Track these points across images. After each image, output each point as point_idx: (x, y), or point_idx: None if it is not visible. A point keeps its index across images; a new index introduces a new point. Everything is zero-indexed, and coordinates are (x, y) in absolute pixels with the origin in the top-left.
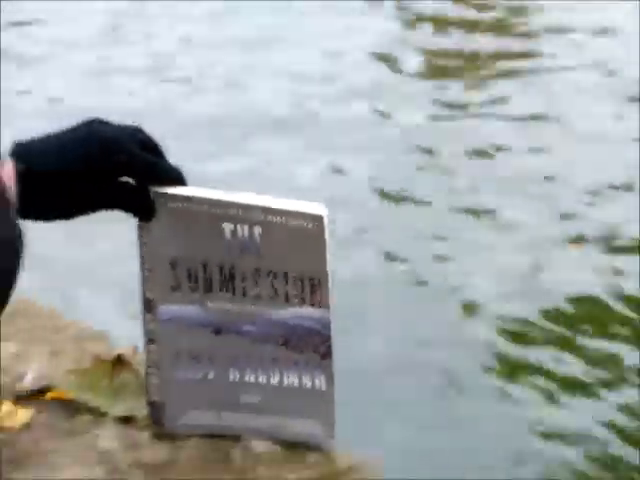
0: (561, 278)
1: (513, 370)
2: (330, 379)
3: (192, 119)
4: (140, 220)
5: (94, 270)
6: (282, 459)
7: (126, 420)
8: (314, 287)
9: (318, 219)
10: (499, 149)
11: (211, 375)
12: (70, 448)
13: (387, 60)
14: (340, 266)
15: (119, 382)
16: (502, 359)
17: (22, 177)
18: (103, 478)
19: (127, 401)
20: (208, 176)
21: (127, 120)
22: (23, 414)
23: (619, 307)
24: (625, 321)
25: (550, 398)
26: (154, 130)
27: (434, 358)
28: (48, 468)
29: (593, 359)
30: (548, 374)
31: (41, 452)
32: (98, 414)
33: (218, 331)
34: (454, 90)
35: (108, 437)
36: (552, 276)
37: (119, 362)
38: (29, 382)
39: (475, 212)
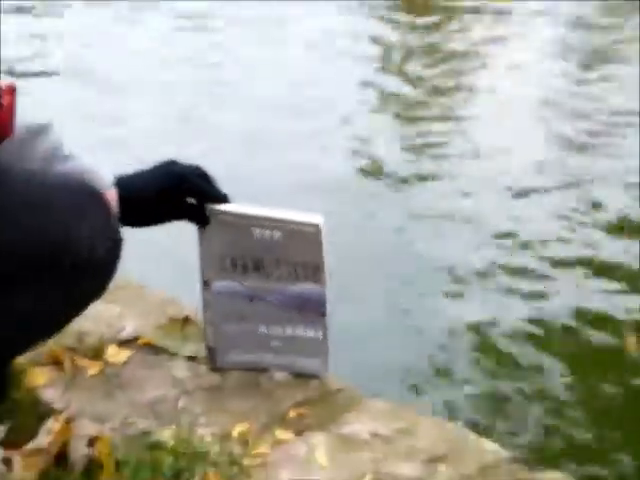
0: None
1: None
2: (325, 331)
3: None
4: (199, 227)
5: (167, 254)
6: (294, 384)
7: (191, 358)
8: (315, 271)
9: (316, 226)
10: None
11: (247, 329)
12: (155, 376)
13: None
14: None
15: (186, 333)
16: None
17: (122, 199)
18: (176, 395)
19: (192, 346)
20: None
21: None
22: (123, 354)
23: None
24: None
25: None
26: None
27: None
28: (141, 390)
29: None
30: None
31: (136, 379)
32: (173, 354)
33: (251, 299)
34: None
35: (180, 369)
36: None
37: (186, 320)
38: (127, 333)
39: None
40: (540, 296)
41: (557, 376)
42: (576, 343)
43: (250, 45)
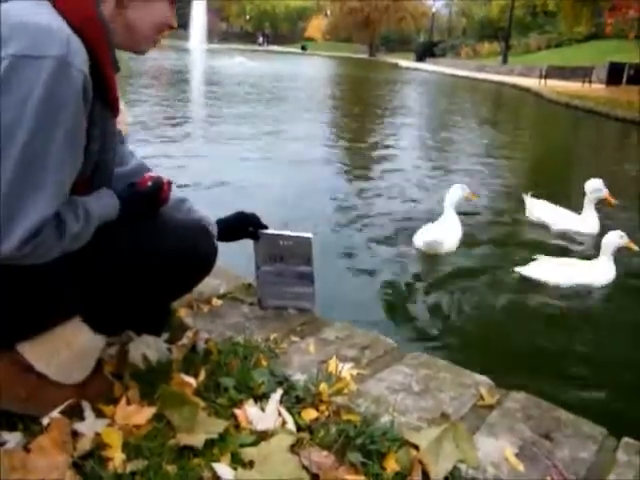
0: None
1: None
2: (313, 289)
3: None
4: (254, 241)
5: (241, 254)
6: (299, 315)
7: (251, 303)
8: (308, 260)
9: (309, 238)
10: None
11: (276, 289)
12: (233, 311)
13: None
14: None
15: (249, 291)
16: None
17: (219, 229)
18: (244, 321)
19: (252, 297)
20: None
21: None
22: (220, 301)
23: None
24: None
25: None
26: None
27: None
28: (228, 318)
29: None
30: None
31: (226, 313)
32: (243, 301)
33: (278, 274)
34: None
35: (245, 308)
36: None
37: (249, 285)
38: (221, 291)
39: None
40: None
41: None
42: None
43: None
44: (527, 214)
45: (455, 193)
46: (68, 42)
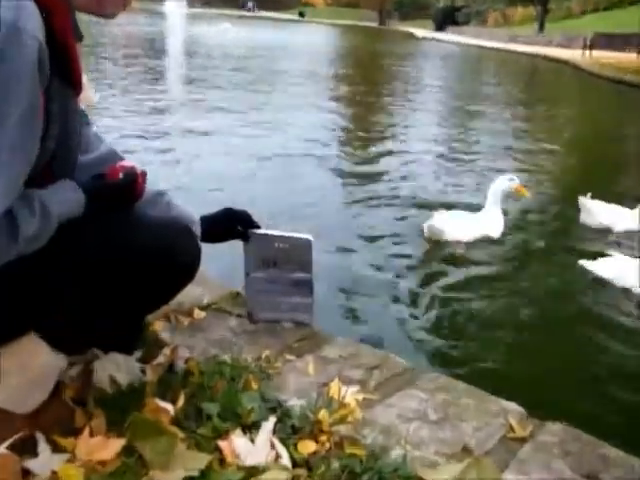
0: None
1: None
2: (312, 299)
3: None
4: (244, 242)
5: (227, 258)
6: (295, 329)
7: (239, 316)
8: (307, 266)
9: (309, 240)
10: None
11: (269, 299)
12: (218, 325)
13: None
14: None
15: (237, 301)
16: None
17: (203, 229)
18: (231, 336)
19: (240, 308)
20: None
21: None
22: (203, 313)
23: None
24: None
25: None
26: None
27: None
28: (212, 333)
29: None
30: None
31: (209, 327)
32: (229, 313)
33: (271, 282)
34: None
35: (233, 321)
36: None
37: (237, 294)
38: (204, 301)
39: None
40: None
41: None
42: None
43: None
44: (583, 219)
45: (500, 184)
46: (18, 4)
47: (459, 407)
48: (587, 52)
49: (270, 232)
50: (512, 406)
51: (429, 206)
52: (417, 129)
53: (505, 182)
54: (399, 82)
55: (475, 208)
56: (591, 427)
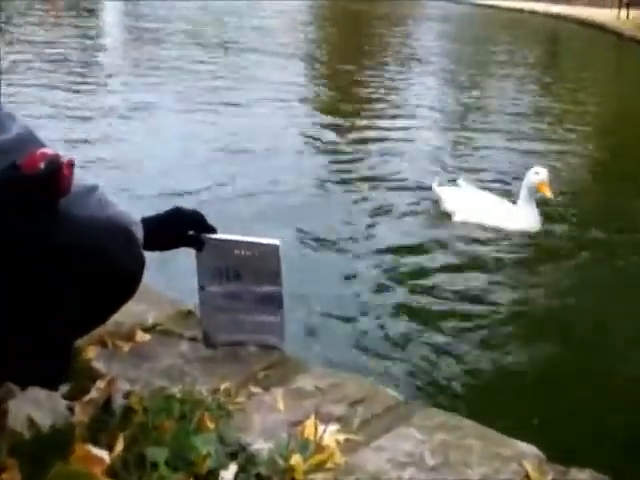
0: None
1: None
2: (282, 317)
3: None
4: (197, 251)
5: (176, 268)
6: (261, 354)
7: (192, 339)
8: (274, 276)
9: (276, 246)
10: None
11: (229, 318)
12: (165, 350)
13: None
14: None
15: (189, 322)
16: None
17: (146, 233)
18: (182, 364)
19: (193, 330)
20: None
21: None
22: (146, 336)
23: None
24: None
25: None
26: None
27: None
28: (158, 360)
29: None
30: None
31: (155, 353)
32: (179, 336)
33: (232, 297)
34: None
35: (184, 346)
36: None
37: (189, 313)
38: (149, 321)
39: None
40: None
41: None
42: None
43: None
44: None
45: (528, 178)
46: None
47: (463, 449)
48: (623, 11)
49: (228, 237)
50: (528, 448)
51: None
52: (415, 109)
53: (530, 176)
54: (390, 49)
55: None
56: (622, 474)
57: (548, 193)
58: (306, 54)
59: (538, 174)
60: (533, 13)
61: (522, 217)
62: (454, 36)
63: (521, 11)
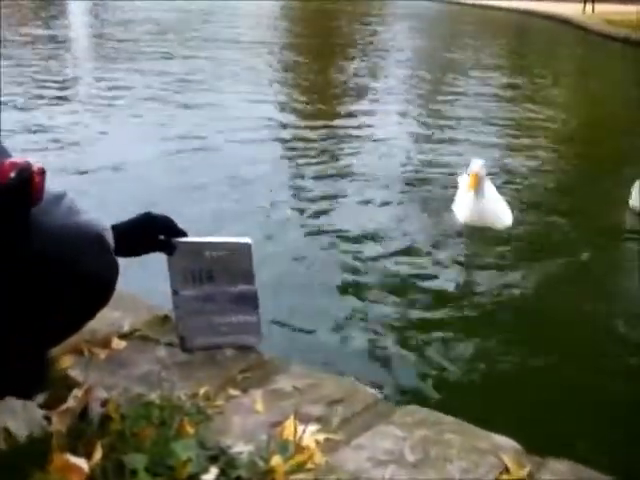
0: None
1: None
2: (259, 317)
3: None
4: (168, 255)
5: (149, 273)
6: (239, 357)
7: (169, 344)
8: (248, 276)
9: (248, 244)
10: None
11: (204, 321)
12: (142, 356)
13: None
14: None
15: (165, 327)
16: None
17: (116, 239)
18: (159, 369)
19: (170, 335)
20: None
21: None
22: (123, 343)
23: None
24: None
25: None
26: None
27: None
28: (135, 367)
29: None
30: None
31: (132, 360)
32: (157, 342)
33: (206, 300)
34: None
35: (161, 351)
36: None
37: (165, 318)
38: (125, 328)
39: None
40: None
41: None
42: None
43: None
44: (633, 204)
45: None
46: None
47: (443, 445)
48: (587, 5)
49: (199, 239)
50: (507, 442)
51: None
52: (384, 106)
53: (470, 167)
54: (355, 49)
55: None
56: (603, 465)
57: (469, 186)
58: (275, 51)
59: (473, 166)
60: (496, 9)
61: (462, 209)
62: (421, 33)
63: (484, 7)
